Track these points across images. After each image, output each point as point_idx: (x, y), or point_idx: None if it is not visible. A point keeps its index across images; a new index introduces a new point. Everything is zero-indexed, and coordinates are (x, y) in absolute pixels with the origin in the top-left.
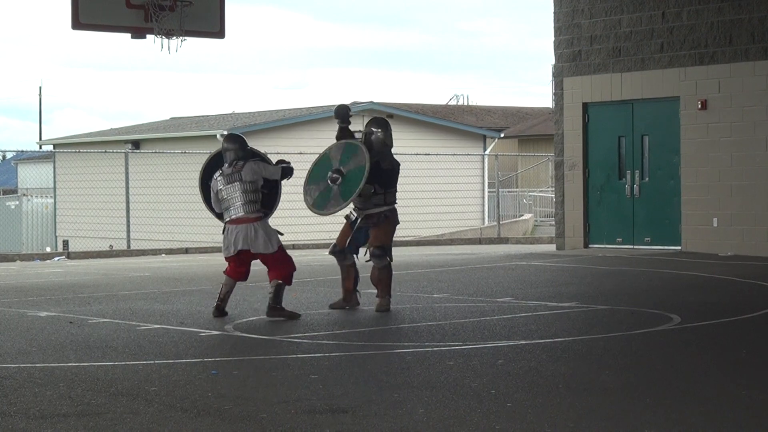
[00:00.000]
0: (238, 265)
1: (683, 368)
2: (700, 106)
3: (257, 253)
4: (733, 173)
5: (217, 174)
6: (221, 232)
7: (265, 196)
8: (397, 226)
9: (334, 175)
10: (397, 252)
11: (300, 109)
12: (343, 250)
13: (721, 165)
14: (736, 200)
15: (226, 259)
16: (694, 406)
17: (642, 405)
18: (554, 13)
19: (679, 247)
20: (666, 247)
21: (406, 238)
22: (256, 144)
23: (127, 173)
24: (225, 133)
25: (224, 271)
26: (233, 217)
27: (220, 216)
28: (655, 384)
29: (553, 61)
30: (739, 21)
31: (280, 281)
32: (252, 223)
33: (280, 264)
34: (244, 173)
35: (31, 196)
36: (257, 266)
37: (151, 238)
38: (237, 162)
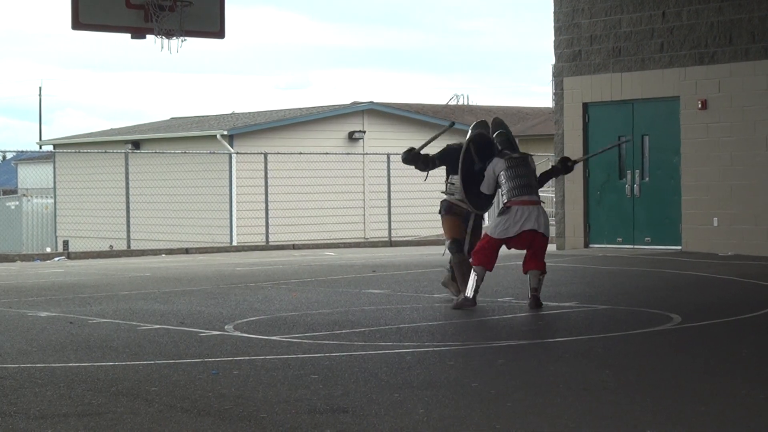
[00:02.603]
0: (495, 251)
1: (684, 368)
2: (700, 105)
3: (536, 236)
4: (733, 173)
5: (499, 157)
6: (499, 214)
7: None
8: (399, 225)
9: None
10: (397, 252)
11: (300, 109)
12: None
13: (721, 165)
14: (737, 200)
15: (490, 242)
16: (694, 406)
17: (642, 405)
18: (554, 12)
19: (679, 247)
20: (666, 247)
21: (407, 238)
22: (256, 144)
23: (127, 173)
24: (225, 133)
25: (475, 261)
26: (525, 198)
27: (485, 200)
28: (655, 384)
29: (553, 61)
30: (739, 21)
31: (543, 273)
32: (539, 206)
33: (543, 252)
34: (530, 160)
35: (31, 197)
36: (264, 266)
37: (152, 238)
38: (517, 149)
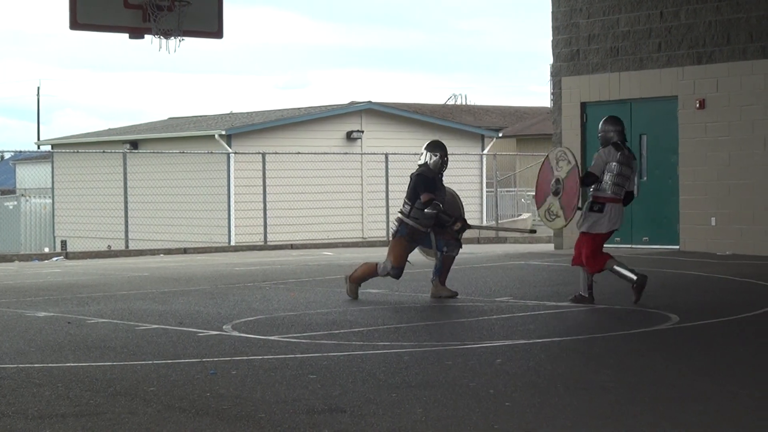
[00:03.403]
0: (602, 250)
1: (682, 367)
2: (698, 105)
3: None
4: (731, 172)
5: (615, 149)
6: (590, 209)
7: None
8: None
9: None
10: None
11: (298, 108)
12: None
13: (719, 164)
14: (735, 199)
15: (596, 242)
16: (692, 406)
17: (641, 404)
18: (552, 12)
19: (677, 247)
20: (664, 247)
21: None
22: (254, 144)
23: (125, 173)
24: (223, 132)
25: (592, 269)
26: (619, 198)
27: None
28: (653, 383)
29: (551, 60)
30: (736, 20)
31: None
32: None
33: None
34: (634, 162)
35: (30, 197)
36: (262, 265)
37: (150, 238)
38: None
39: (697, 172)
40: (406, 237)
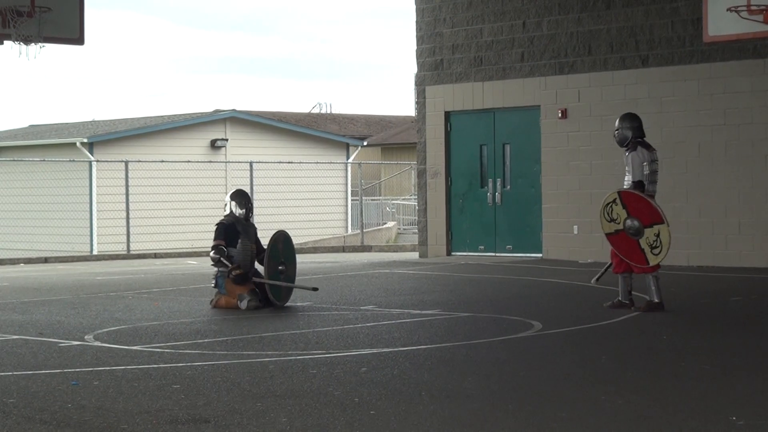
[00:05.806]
0: None
1: (544, 374)
2: (560, 114)
3: None
4: (592, 181)
5: (644, 148)
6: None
7: None
8: (262, 233)
9: None
10: None
11: (162, 116)
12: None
13: (581, 173)
14: (596, 208)
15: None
16: (555, 412)
17: (504, 411)
18: (416, 22)
19: (540, 255)
20: (527, 255)
21: None
22: (117, 152)
23: None
24: (85, 140)
25: (651, 270)
26: (654, 194)
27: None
28: (516, 390)
29: (415, 69)
30: (597, 31)
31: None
32: None
33: None
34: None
35: None
36: (125, 275)
37: (9, 247)
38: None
39: (560, 181)
40: (235, 281)
